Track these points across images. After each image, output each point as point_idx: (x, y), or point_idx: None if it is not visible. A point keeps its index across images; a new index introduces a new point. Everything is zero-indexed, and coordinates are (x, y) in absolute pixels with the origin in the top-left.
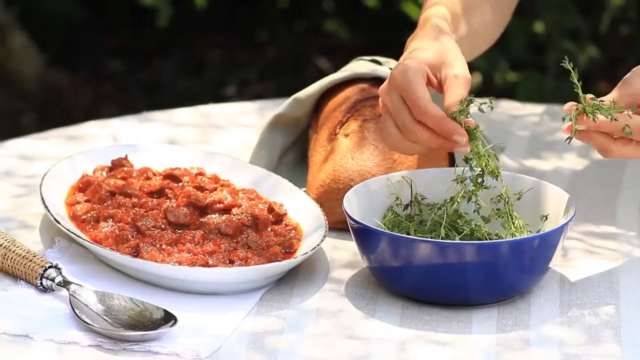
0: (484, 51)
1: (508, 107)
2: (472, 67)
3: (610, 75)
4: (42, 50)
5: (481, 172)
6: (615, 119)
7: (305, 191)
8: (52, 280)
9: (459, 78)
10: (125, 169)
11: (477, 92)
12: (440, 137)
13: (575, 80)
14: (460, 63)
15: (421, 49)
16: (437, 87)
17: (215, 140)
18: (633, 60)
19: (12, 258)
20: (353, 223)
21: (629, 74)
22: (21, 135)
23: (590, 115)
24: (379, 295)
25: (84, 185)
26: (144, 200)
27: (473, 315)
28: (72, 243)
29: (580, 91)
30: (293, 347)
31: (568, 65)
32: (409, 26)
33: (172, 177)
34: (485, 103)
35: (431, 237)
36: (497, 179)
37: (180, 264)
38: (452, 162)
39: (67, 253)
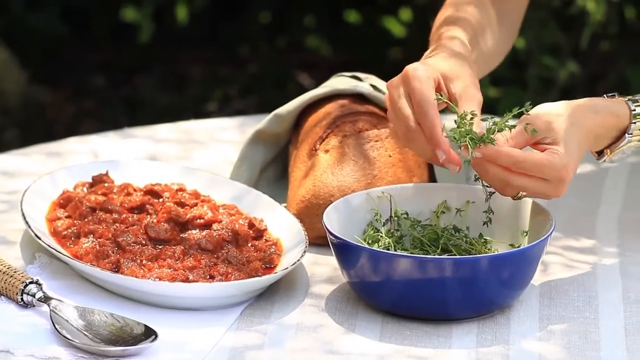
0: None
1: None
2: None
3: (590, 90)
4: (24, 66)
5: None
6: (492, 141)
7: (285, 207)
8: (33, 295)
9: (474, 97)
10: (106, 184)
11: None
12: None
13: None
14: (472, 83)
15: (436, 58)
16: (448, 92)
17: (196, 156)
18: (613, 75)
19: None
20: (333, 238)
21: (531, 112)
22: (2, 151)
23: (488, 141)
24: (359, 310)
25: (65, 201)
26: (124, 216)
27: (453, 329)
28: (53, 259)
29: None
30: None
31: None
32: (390, 42)
33: (152, 192)
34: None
35: (410, 253)
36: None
37: (160, 279)
38: (431, 177)
39: (47, 269)
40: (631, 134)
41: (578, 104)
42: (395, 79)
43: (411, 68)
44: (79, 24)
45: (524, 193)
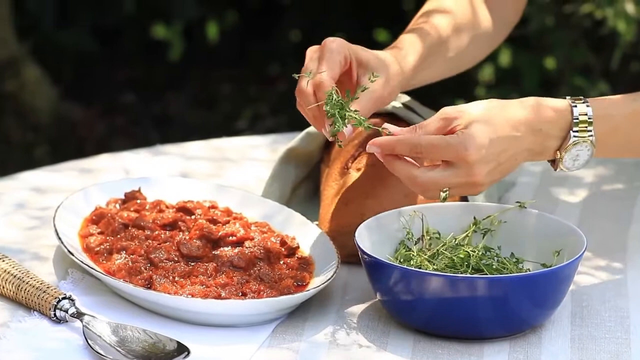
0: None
1: None
2: None
3: None
4: (55, 83)
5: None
6: (368, 127)
7: (317, 224)
8: (66, 311)
9: (373, 92)
10: (139, 201)
11: None
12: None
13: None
14: (386, 80)
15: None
16: (352, 77)
17: (228, 173)
18: None
19: (25, 289)
20: (365, 257)
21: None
22: (34, 168)
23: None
24: (390, 328)
25: (98, 218)
26: (157, 232)
27: (484, 348)
28: (86, 275)
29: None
30: None
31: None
32: None
33: (184, 209)
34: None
35: (442, 272)
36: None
37: (193, 296)
38: (462, 196)
39: (80, 284)
40: (577, 131)
41: (505, 100)
42: (315, 47)
43: (330, 40)
44: (109, 41)
45: (444, 192)
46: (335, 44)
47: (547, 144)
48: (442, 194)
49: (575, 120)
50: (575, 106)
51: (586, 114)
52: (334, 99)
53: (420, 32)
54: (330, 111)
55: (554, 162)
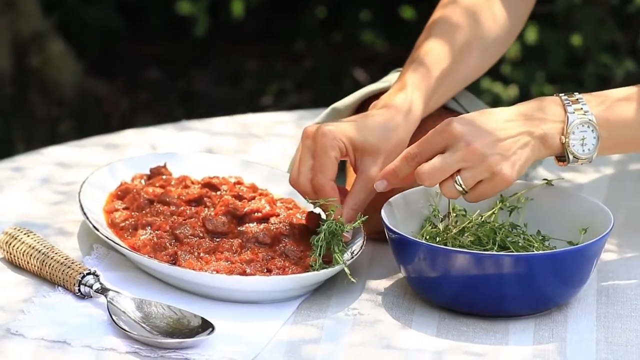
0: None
1: None
2: (508, 79)
3: None
4: (80, 58)
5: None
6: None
7: None
8: (90, 287)
9: (369, 181)
10: (164, 177)
11: (514, 104)
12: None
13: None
14: (383, 158)
15: (362, 121)
16: (352, 164)
17: (253, 149)
18: None
19: (50, 264)
20: (391, 234)
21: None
22: (59, 143)
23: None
24: (415, 305)
25: (123, 193)
26: (182, 208)
27: (510, 326)
28: (110, 250)
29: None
30: (330, 356)
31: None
32: None
33: (210, 185)
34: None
35: (469, 249)
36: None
37: (217, 272)
38: None
39: (105, 260)
40: (572, 112)
41: None
42: (310, 131)
43: (320, 134)
44: (134, 17)
45: (459, 185)
46: (327, 140)
47: (546, 127)
48: (458, 187)
49: (566, 101)
50: (563, 93)
51: (575, 95)
52: (326, 234)
53: (428, 62)
54: (319, 244)
55: (564, 159)
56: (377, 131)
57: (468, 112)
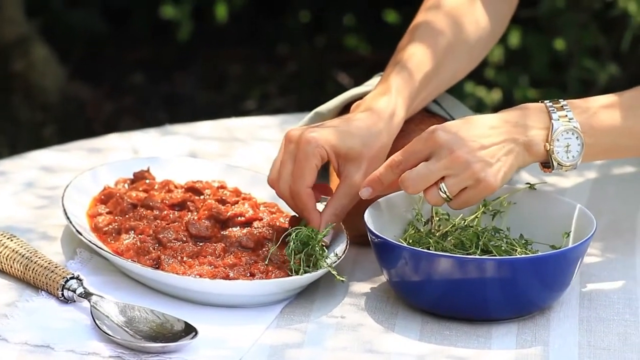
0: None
1: None
2: (492, 83)
3: None
4: (64, 62)
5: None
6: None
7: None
8: (74, 291)
9: (352, 187)
10: (147, 181)
11: (498, 108)
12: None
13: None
14: (366, 162)
15: (347, 125)
16: (335, 170)
17: (237, 153)
18: None
19: (33, 269)
20: (374, 237)
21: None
22: (42, 147)
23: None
24: (398, 309)
25: (106, 197)
26: (165, 212)
27: (492, 330)
28: (94, 254)
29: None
30: None
31: None
32: None
33: (193, 190)
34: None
35: (451, 253)
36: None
37: (201, 276)
38: None
39: (88, 264)
40: (557, 119)
41: None
42: (293, 135)
43: (304, 141)
44: (118, 21)
45: (443, 192)
46: (310, 147)
47: (531, 134)
48: (442, 194)
49: (551, 108)
50: (548, 100)
51: (560, 102)
52: (296, 241)
53: (411, 66)
54: (292, 250)
55: (548, 166)
56: (361, 138)
57: (450, 115)
